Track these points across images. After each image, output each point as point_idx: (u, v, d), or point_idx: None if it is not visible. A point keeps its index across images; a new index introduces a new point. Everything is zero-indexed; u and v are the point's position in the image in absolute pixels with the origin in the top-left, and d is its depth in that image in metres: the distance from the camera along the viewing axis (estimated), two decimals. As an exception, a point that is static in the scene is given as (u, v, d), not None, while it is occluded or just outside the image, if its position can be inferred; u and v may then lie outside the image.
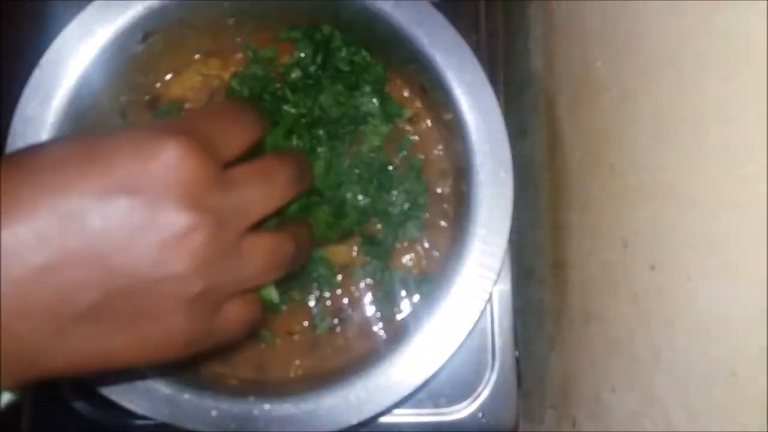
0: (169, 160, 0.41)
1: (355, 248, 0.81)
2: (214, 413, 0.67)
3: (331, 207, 0.76)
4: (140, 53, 0.75)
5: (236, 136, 0.47)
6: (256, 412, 0.67)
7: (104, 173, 0.40)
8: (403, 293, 0.80)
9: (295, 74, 0.81)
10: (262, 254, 0.47)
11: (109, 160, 0.40)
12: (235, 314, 0.48)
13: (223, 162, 0.45)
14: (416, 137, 0.83)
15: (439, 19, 0.73)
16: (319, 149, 0.79)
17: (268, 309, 0.54)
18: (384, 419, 0.78)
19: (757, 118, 0.40)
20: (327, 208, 0.72)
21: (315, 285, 0.79)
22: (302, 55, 0.82)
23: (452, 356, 0.68)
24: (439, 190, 0.82)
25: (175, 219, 0.41)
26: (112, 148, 0.41)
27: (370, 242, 0.80)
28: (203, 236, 0.42)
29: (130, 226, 0.40)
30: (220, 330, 0.47)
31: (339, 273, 0.80)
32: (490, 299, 0.73)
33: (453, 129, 0.74)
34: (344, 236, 0.78)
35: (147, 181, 0.40)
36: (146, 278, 0.41)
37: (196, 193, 0.42)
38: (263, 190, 0.47)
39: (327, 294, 0.79)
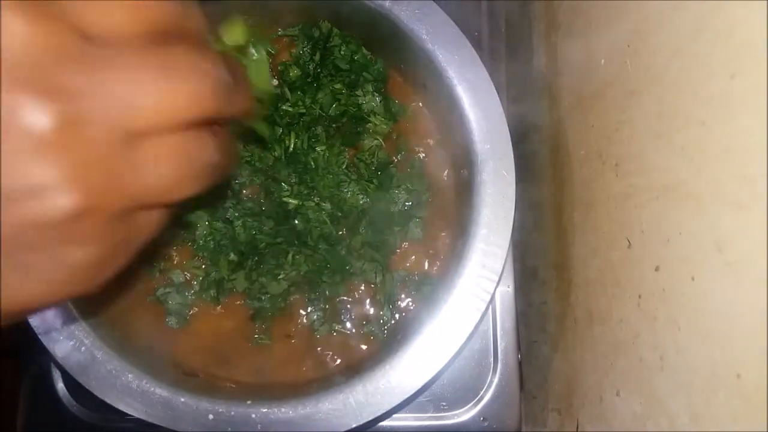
0: None
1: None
2: (210, 417, 0.66)
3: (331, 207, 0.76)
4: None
5: (121, 7, 0.34)
6: (253, 415, 0.66)
7: None
8: (404, 295, 0.79)
9: (293, 72, 0.80)
10: (167, 161, 0.35)
11: None
12: (145, 224, 0.38)
13: (88, 35, 0.32)
14: (417, 136, 0.82)
15: (440, 15, 0.72)
16: (318, 148, 0.78)
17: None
18: (384, 423, 0.77)
19: (762, 117, 0.40)
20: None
21: (315, 288, 0.78)
22: (300, 52, 0.81)
23: (453, 359, 0.68)
24: (440, 190, 0.81)
25: (2, 104, 0.30)
26: None
27: (372, 243, 0.79)
28: (52, 126, 0.30)
29: None
30: (130, 244, 0.38)
31: (339, 275, 0.78)
32: (492, 301, 0.72)
33: (454, 127, 0.74)
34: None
35: None
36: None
37: (32, 66, 0.30)
38: (157, 81, 0.33)
39: (326, 297, 0.78)
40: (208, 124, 0.38)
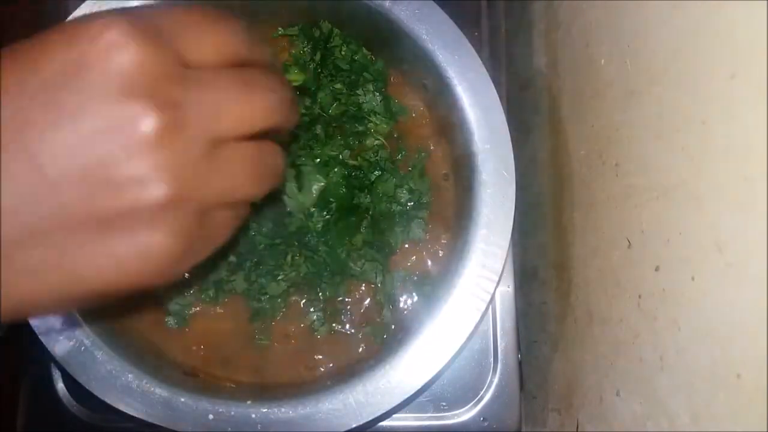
0: (107, 44, 0.37)
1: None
2: (211, 417, 0.66)
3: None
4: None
5: (209, 40, 0.42)
6: (253, 415, 0.66)
7: (35, 69, 0.37)
8: (404, 295, 0.79)
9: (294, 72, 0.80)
10: (242, 164, 0.43)
11: (42, 54, 0.38)
12: (221, 222, 0.45)
13: (185, 61, 0.40)
14: (417, 136, 0.82)
15: (440, 15, 0.72)
16: (317, 149, 0.78)
17: None
18: (384, 423, 0.77)
19: (762, 117, 0.40)
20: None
21: (315, 288, 0.78)
22: (300, 52, 0.81)
23: (453, 359, 0.68)
24: (440, 190, 0.81)
25: (119, 110, 0.37)
26: (46, 42, 0.38)
27: (373, 243, 0.79)
28: (156, 130, 0.37)
29: (73, 129, 0.37)
30: (206, 241, 0.44)
31: (339, 276, 0.78)
32: (492, 301, 0.72)
33: (455, 127, 0.74)
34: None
35: (82, 73, 0.37)
36: (99, 183, 0.37)
37: (144, 82, 0.38)
38: (238, 97, 0.42)
39: (326, 297, 0.78)
40: (269, 134, 0.46)
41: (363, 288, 0.79)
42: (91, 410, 0.79)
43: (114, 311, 0.74)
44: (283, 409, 0.66)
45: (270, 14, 0.81)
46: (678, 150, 0.51)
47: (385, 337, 0.78)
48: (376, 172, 0.79)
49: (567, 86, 0.79)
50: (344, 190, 0.78)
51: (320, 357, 0.77)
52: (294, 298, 0.78)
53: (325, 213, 0.77)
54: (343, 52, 0.80)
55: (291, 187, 0.77)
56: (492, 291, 0.68)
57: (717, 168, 0.46)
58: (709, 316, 0.47)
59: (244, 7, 0.78)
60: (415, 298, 0.79)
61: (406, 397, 0.66)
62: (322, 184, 0.77)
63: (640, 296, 0.59)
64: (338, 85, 0.80)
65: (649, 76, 0.58)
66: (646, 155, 0.58)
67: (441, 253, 0.80)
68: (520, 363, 0.80)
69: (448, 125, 0.77)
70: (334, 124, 0.80)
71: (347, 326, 0.78)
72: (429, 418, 0.79)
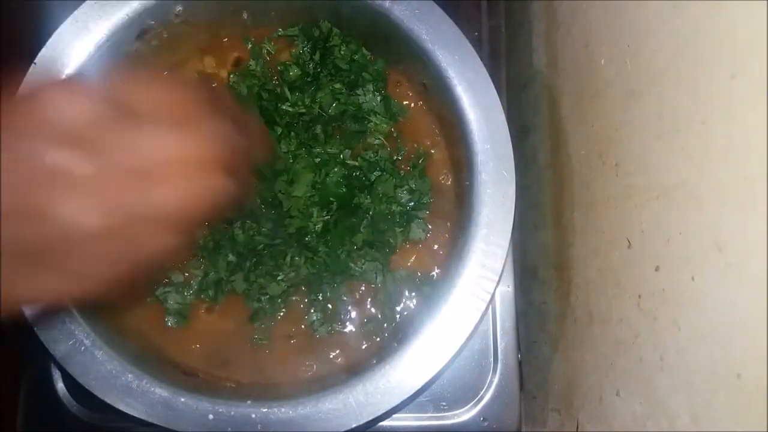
0: (43, 100, 0.41)
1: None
2: (210, 417, 0.66)
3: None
4: (136, 51, 0.75)
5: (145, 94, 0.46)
6: (253, 415, 0.66)
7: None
8: (404, 295, 0.79)
9: (293, 72, 0.80)
10: (174, 186, 0.44)
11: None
12: (147, 237, 0.46)
13: (123, 107, 0.44)
14: (417, 136, 0.82)
15: (440, 15, 0.72)
16: (317, 149, 0.78)
17: None
18: (384, 423, 0.77)
19: (762, 117, 0.40)
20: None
21: (315, 289, 0.78)
22: (300, 52, 0.81)
23: (453, 359, 0.68)
24: (440, 190, 0.81)
25: (41, 153, 0.40)
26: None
27: (373, 244, 0.79)
28: (86, 172, 0.41)
29: (13, 170, 0.40)
30: (134, 257, 0.46)
31: (339, 276, 0.78)
32: (492, 301, 0.72)
33: (454, 127, 0.74)
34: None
35: (23, 124, 0.41)
36: (36, 219, 0.41)
37: (75, 131, 0.41)
38: (169, 135, 0.45)
39: (326, 297, 0.78)
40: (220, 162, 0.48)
41: (363, 288, 0.79)
42: (91, 410, 0.79)
43: (114, 311, 0.74)
44: (283, 409, 0.66)
45: (270, 14, 0.81)
46: (678, 150, 0.51)
47: (385, 337, 0.78)
48: (376, 173, 0.79)
49: (567, 86, 0.79)
50: (344, 190, 0.78)
51: (320, 357, 0.77)
52: (294, 299, 0.78)
53: (325, 213, 0.77)
54: (342, 52, 0.80)
55: (282, 184, 0.77)
56: (492, 291, 0.68)
57: (717, 168, 0.46)
58: (709, 316, 0.47)
59: (245, 8, 0.78)
60: (415, 298, 0.79)
61: (406, 397, 0.66)
62: (312, 175, 0.77)
63: (640, 296, 0.59)
64: (338, 85, 0.80)
65: (649, 76, 0.58)
66: (646, 155, 0.58)
67: (441, 253, 0.80)
68: (520, 363, 0.80)
69: (448, 125, 0.77)
70: (333, 124, 0.80)
71: (347, 326, 0.78)
72: (429, 418, 0.79)
